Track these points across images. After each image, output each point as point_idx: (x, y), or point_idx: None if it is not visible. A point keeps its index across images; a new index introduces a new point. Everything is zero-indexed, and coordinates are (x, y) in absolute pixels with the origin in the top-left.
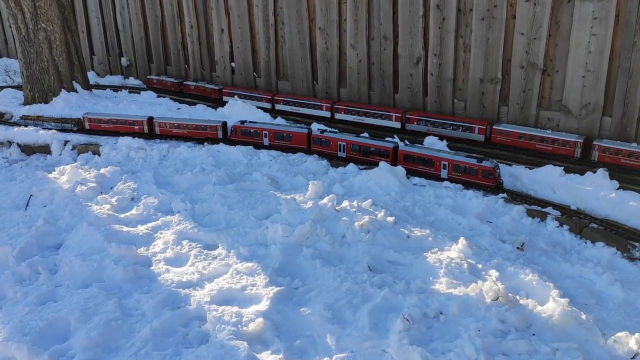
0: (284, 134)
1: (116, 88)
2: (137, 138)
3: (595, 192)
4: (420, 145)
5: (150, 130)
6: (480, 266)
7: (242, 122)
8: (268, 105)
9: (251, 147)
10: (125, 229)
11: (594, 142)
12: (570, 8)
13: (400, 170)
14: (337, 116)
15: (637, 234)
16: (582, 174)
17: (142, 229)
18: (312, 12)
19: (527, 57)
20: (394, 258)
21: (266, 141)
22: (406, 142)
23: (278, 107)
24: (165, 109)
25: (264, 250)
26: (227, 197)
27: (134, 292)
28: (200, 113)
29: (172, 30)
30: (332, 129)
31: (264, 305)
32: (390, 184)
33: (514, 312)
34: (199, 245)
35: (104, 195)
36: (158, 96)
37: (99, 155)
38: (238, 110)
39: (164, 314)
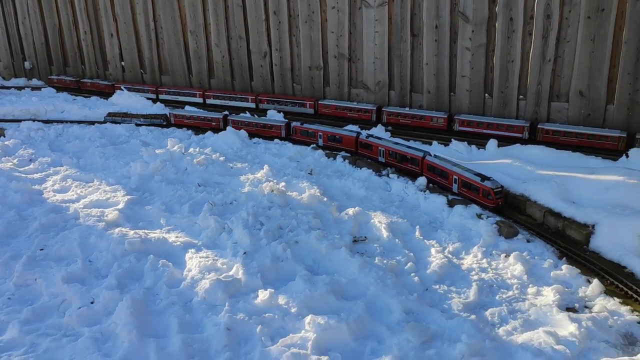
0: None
1: (20, 87)
2: (37, 122)
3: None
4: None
5: (224, 125)
6: (274, 180)
7: (302, 123)
8: (153, 96)
9: (133, 124)
10: (23, 175)
11: (383, 109)
12: (360, 13)
13: (243, 133)
14: (208, 101)
15: (388, 164)
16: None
17: (37, 175)
18: (184, 18)
19: (338, 49)
20: (218, 179)
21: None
22: (365, 132)
23: (161, 97)
24: (63, 101)
25: (127, 180)
26: (105, 154)
27: (29, 208)
28: (94, 103)
29: (68, 36)
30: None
31: (120, 205)
32: (234, 142)
33: (280, 197)
34: (79, 181)
35: (7, 157)
36: (57, 92)
37: (4, 136)
38: (125, 99)
39: (49, 215)
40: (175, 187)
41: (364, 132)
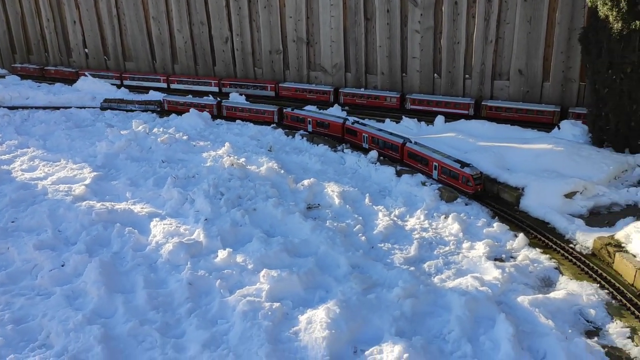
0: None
1: None
2: (2, 108)
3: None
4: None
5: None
6: (235, 156)
7: (354, 122)
8: (117, 82)
9: (98, 109)
10: None
11: (340, 90)
12: None
13: (206, 115)
14: (172, 86)
15: (342, 139)
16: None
17: (4, 157)
18: (146, 5)
19: (296, 34)
20: (182, 156)
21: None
22: (352, 119)
23: (126, 82)
24: (27, 88)
25: (93, 159)
26: (71, 135)
27: None
28: (58, 89)
29: (31, 24)
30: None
31: (87, 181)
32: (197, 123)
33: (240, 170)
34: (47, 161)
35: None
36: (22, 79)
37: None
38: (89, 85)
39: (19, 192)
40: (140, 164)
41: (351, 119)
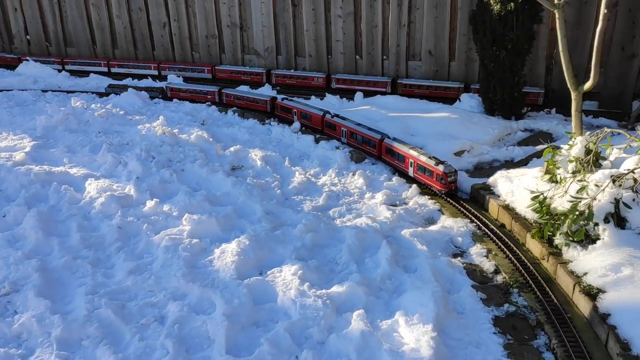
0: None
1: None
2: None
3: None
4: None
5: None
6: (168, 127)
7: (283, 99)
8: (59, 67)
9: (39, 90)
10: None
11: (272, 71)
12: None
13: (144, 94)
14: (113, 70)
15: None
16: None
17: None
18: None
19: (230, 19)
20: (118, 129)
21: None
22: (332, 112)
23: (67, 67)
24: None
25: (32, 131)
26: (12, 113)
27: None
28: (1, 73)
29: None
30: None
31: (27, 149)
32: (136, 101)
33: (171, 138)
34: None
35: None
36: None
37: None
38: (31, 69)
39: None
40: (77, 135)
41: (332, 112)
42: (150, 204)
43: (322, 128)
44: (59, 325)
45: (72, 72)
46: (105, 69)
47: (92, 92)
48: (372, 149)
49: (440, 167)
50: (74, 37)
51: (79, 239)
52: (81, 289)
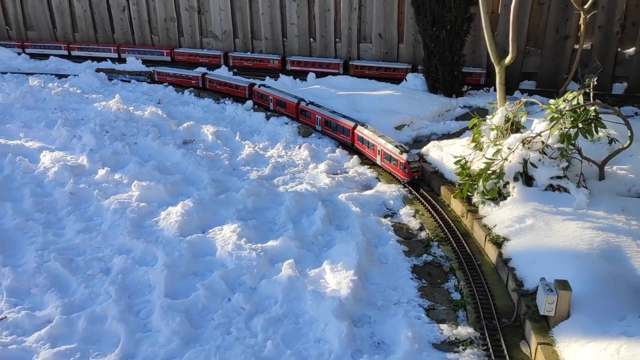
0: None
1: None
2: None
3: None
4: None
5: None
6: (124, 106)
7: (260, 86)
8: (20, 50)
9: (25, 75)
10: None
11: (229, 54)
12: None
13: (102, 75)
14: (73, 53)
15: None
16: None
17: None
18: None
19: (188, 2)
20: (74, 106)
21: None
22: (307, 100)
23: (28, 50)
24: None
25: None
26: None
27: None
28: None
29: None
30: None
31: None
32: (93, 82)
33: (125, 114)
34: None
35: None
36: None
37: None
38: None
39: None
40: (33, 112)
41: (307, 100)
42: (101, 172)
43: (296, 116)
44: (9, 276)
45: (32, 55)
46: (66, 52)
47: (52, 74)
48: (345, 137)
49: (404, 156)
50: (34, 21)
51: (32, 204)
52: (32, 247)
